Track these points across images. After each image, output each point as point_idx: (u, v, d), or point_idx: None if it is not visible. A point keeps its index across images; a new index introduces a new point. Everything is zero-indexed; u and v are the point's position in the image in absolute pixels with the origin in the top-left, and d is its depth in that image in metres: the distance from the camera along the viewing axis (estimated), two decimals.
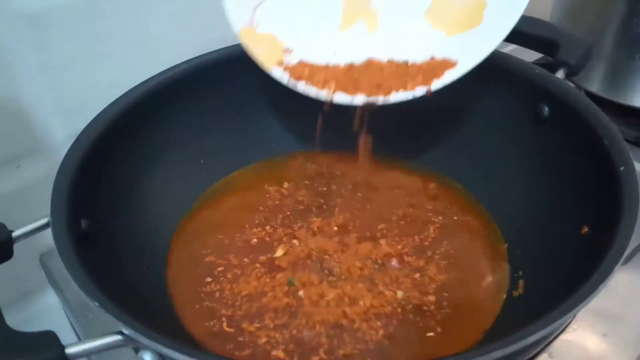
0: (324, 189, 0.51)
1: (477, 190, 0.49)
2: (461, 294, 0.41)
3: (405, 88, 0.41)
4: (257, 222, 0.47)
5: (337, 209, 0.48)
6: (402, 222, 0.47)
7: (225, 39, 0.49)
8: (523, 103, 0.47)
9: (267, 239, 0.46)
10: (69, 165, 0.38)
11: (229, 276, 0.43)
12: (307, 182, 0.51)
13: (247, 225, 0.47)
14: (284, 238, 0.46)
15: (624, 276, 0.44)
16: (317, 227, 0.46)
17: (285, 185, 0.51)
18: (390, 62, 0.43)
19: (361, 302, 0.40)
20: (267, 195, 0.50)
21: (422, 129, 0.52)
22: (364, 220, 0.47)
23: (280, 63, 0.44)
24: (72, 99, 0.47)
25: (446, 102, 0.51)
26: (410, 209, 0.48)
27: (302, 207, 0.49)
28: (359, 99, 0.41)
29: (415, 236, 0.45)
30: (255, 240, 0.46)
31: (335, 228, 0.46)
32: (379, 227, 0.46)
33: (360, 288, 0.41)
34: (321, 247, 0.44)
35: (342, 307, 0.39)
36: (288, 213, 0.48)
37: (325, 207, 0.48)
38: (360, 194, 0.50)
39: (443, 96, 0.51)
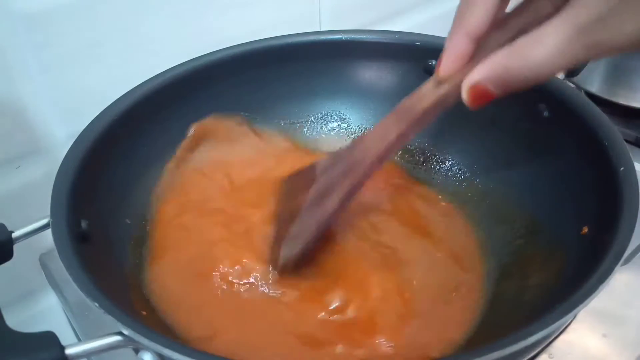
0: None
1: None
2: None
3: None
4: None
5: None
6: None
7: (224, 41, 0.50)
8: (522, 103, 0.46)
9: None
10: (69, 166, 0.38)
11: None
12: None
13: None
14: None
15: (624, 277, 0.44)
16: None
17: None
18: None
19: None
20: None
21: None
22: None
23: None
24: (72, 99, 0.47)
25: None
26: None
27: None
28: None
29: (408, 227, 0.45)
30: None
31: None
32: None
33: None
34: None
35: None
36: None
37: None
38: None
39: None
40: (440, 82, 0.33)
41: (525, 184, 0.45)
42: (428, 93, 0.34)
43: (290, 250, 0.39)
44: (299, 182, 0.41)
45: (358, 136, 0.38)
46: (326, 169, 0.39)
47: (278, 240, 0.40)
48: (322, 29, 0.61)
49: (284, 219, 0.41)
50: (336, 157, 0.39)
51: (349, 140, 0.54)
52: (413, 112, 0.35)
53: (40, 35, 0.44)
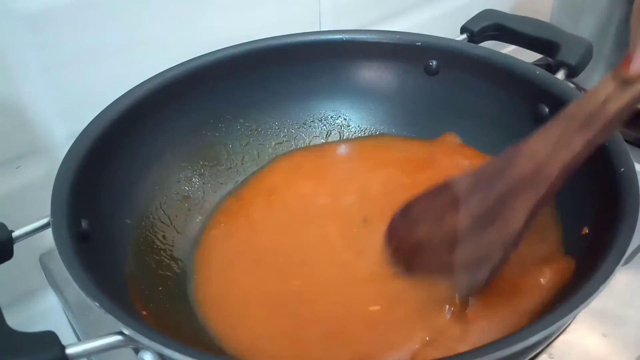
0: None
1: None
2: None
3: None
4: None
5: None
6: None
7: (224, 41, 0.50)
8: (523, 104, 0.47)
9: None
10: (69, 165, 0.38)
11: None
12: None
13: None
14: None
15: (624, 277, 0.44)
16: None
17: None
18: None
19: None
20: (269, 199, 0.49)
21: (418, 127, 0.52)
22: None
23: None
24: (72, 99, 0.47)
25: (445, 102, 0.52)
26: None
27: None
28: None
29: None
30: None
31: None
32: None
33: None
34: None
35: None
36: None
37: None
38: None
39: (442, 95, 0.52)
40: (629, 82, 0.31)
41: None
42: (614, 94, 0.31)
43: (474, 277, 0.35)
44: (435, 204, 0.37)
45: (508, 148, 0.35)
46: (477, 186, 0.35)
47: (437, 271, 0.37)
48: (322, 29, 0.61)
49: (427, 246, 0.38)
50: (488, 172, 0.36)
51: (350, 142, 0.54)
52: (601, 117, 0.32)
53: (40, 35, 0.44)
